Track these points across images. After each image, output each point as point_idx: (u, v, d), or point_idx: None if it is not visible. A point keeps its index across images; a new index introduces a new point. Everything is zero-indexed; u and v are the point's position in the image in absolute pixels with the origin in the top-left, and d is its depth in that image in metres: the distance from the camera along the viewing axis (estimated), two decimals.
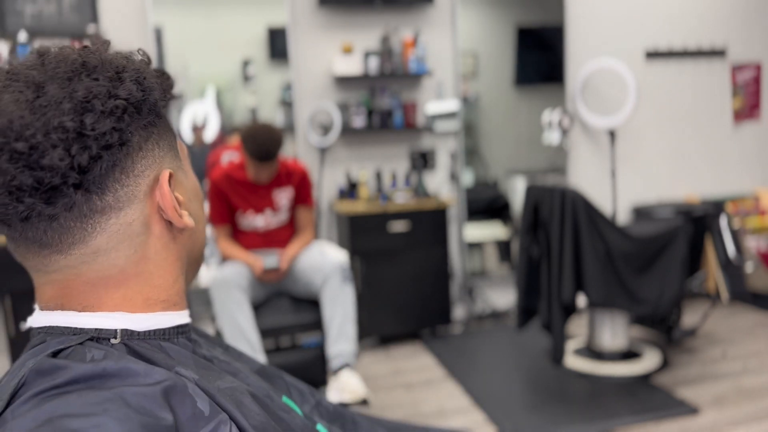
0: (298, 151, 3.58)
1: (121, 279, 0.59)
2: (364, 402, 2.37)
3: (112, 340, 0.57)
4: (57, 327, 0.57)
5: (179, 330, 0.63)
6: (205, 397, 0.55)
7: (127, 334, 0.58)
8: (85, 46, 0.60)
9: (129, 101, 0.57)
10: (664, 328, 3.17)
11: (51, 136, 0.52)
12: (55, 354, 0.54)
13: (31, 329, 0.61)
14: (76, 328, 0.57)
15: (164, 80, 0.64)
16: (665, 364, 3.05)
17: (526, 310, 3.07)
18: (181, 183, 0.66)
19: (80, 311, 0.58)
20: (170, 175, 0.61)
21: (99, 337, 0.57)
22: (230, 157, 3.20)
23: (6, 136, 0.51)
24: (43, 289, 0.60)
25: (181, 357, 0.60)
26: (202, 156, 3.41)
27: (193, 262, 0.70)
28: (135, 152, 0.58)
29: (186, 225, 0.63)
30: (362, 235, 3.37)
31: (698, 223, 3.24)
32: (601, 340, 3.09)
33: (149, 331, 0.60)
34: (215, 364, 0.67)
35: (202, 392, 0.55)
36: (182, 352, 0.61)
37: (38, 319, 0.59)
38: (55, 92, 0.54)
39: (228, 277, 2.46)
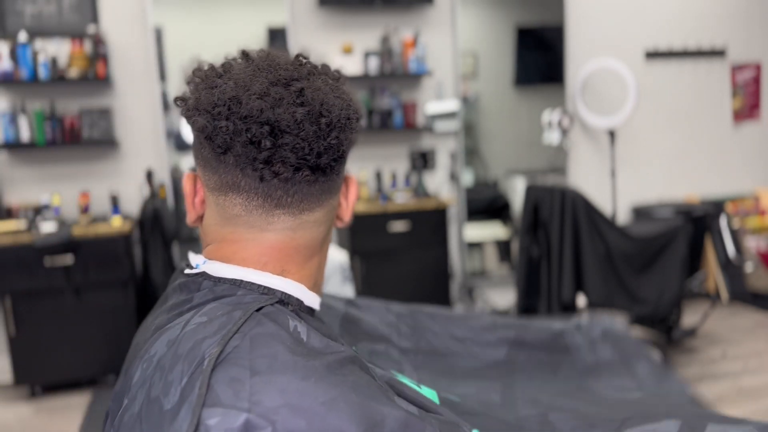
0: None
1: (315, 251, 0.69)
2: None
3: (290, 307, 0.65)
4: (250, 282, 0.64)
5: (314, 312, 0.71)
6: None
7: (299, 304, 0.66)
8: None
9: (360, 112, 0.69)
10: (664, 328, 3.17)
11: (342, 121, 0.64)
12: (257, 310, 0.60)
13: (195, 276, 0.66)
14: (267, 288, 0.64)
15: None
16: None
17: (526, 310, 3.07)
18: None
19: (278, 273, 0.66)
20: None
21: (283, 301, 0.64)
22: None
23: (317, 110, 0.62)
24: (244, 245, 0.66)
25: (330, 334, 0.67)
26: None
27: None
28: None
29: (347, 225, 0.75)
30: (362, 235, 3.37)
31: (698, 223, 3.24)
32: None
33: (308, 307, 0.68)
34: None
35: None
36: (325, 329, 0.68)
37: (226, 270, 0.65)
38: (345, 89, 0.67)
39: None
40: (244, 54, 0.68)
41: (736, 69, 4.29)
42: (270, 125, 0.60)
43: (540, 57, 4.12)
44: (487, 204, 4.11)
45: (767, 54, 4.38)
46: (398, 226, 3.41)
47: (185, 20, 3.48)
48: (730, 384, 2.82)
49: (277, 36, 3.55)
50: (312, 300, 0.69)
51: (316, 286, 0.70)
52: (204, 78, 0.66)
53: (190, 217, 0.71)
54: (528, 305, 3.06)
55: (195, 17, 3.51)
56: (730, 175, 4.36)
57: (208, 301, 0.62)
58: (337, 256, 2.68)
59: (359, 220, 3.36)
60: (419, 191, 3.60)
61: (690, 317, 3.60)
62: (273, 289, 0.64)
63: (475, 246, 4.08)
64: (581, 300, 2.96)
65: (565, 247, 2.77)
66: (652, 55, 4.10)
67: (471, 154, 4.02)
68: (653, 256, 2.87)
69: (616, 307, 2.84)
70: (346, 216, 0.73)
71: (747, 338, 3.38)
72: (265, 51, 0.67)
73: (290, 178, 0.63)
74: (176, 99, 0.67)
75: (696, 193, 4.26)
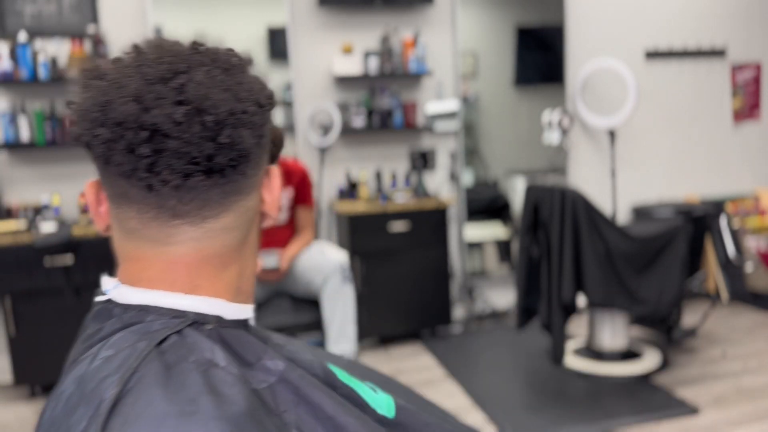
0: (298, 151, 3.58)
1: (231, 259, 0.62)
2: None
3: (207, 326, 0.58)
4: (157, 307, 0.58)
5: (245, 323, 0.65)
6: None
7: (219, 321, 0.60)
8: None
9: (272, 99, 0.63)
10: (664, 328, 3.17)
11: (236, 117, 0.57)
12: (159, 343, 0.55)
13: (108, 302, 0.61)
14: (178, 311, 0.58)
15: None
16: (665, 364, 3.05)
17: (526, 310, 3.07)
18: None
19: (188, 292, 0.59)
20: None
21: (197, 321, 0.58)
22: None
23: (201, 108, 0.55)
24: (149, 263, 0.60)
25: (257, 348, 0.61)
26: None
27: None
28: (265, 145, 0.64)
29: (276, 218, 0.68)
30: (362, 235, 3.37)
31: (698, 223, 3.24)
32: (601, 340, 3.09)
33: (233, 320, 0.62)
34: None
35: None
36: (255, 342, 0.62)
37: (133, 295, 0.60)
38: (241, 78, 0.59)
39: None
40: (135, 47, 0.60)
41: (736, 69, 4.29)
42: (147, 130, 0.54)
43: (540, 57, 4.12)
44: (487, 204, 4.11)
45: (767, 54, 4.38)
46: (398, 226, 3.41)
47: (185, 20, 3.48)
48: (730, 384, 2.82)
49: (277, 36, 3.55)
50: (235, 312, 0.62)
51: (240, 294, 0.64)
52: (81, 79, 0.58)
53: (99, 227, 0.65)
54: (528, 305, 3.06)
55: (195, 17, 3.51)
56: (730, 175, 4.36)
57: (116, 330, 0.58)
58: (337, 256, 2.68)
59: (359, 220, 3.36)
60: (419, 191, 3.60)
61: (690, 317, 3.60)
62: (184, 311, 0.58)
63: (475, 246, 4.08)
64: (581, 300, 2.96)
65: (565, 247, 2.77)
66: (652, 55, 4.10)
67: (471, 154, 4.02)
68: (653, 256, 2.87)
69: (616, 307, 2.84)
70: (273, 211, 0.67)
71: (747, 338, 3.38)
72: (156, 41, 0.60)
73: (181, 185, 0.56)
74: (68, 103, 0.60)
75: (696, 193, 4.26)
